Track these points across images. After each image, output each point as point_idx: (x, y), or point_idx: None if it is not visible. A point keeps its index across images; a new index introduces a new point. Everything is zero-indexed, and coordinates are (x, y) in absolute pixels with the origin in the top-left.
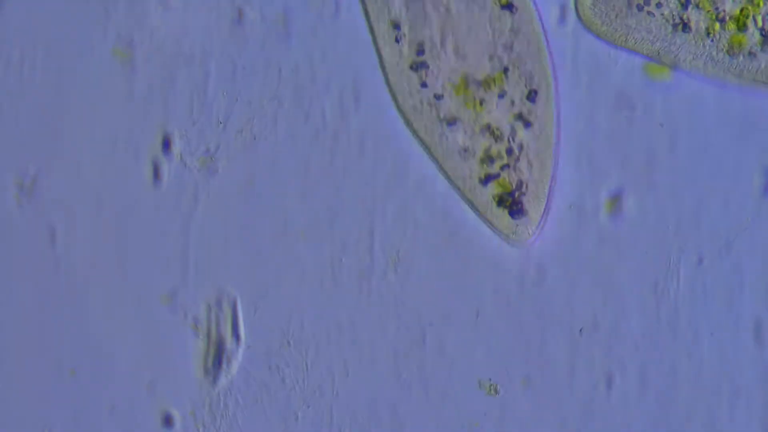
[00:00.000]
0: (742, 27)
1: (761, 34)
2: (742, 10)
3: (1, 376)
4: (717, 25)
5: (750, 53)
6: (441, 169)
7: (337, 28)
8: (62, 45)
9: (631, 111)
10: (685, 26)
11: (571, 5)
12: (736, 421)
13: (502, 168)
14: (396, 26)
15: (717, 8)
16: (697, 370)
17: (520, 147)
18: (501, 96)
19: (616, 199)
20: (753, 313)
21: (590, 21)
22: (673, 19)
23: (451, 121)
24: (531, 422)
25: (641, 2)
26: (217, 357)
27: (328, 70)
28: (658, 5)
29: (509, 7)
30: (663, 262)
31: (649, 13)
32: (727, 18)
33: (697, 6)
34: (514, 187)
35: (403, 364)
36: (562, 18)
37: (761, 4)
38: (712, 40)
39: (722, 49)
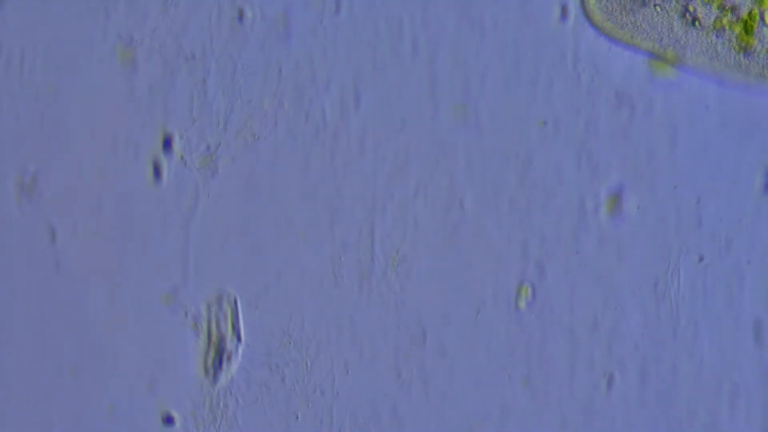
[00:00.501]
0: (750, 30)
1: None
2: (750, 14)
3: (0, 376)
4: (725, 20)
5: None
6: None
7: (337, 27)
8: (62, 45)
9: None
10: (694, 20)
11: (575, 1)
12: (737, 421)
13: None
14: None
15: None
16: (697, 369)
17: None
18: None
19: (615, 198)
20: (753, 313)
21: (596, 17)
22: (682, 13)
23: None
24: (531, 422)
25: None
26: (218, 356)
27: (328, 69)
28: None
29: None
30: (663, 262)
31: (655, 6)
32: (734, 18)
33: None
34: None
35: (403, 363)
36: (564, 15)
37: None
38: (717, 35)
39: (730, 46)
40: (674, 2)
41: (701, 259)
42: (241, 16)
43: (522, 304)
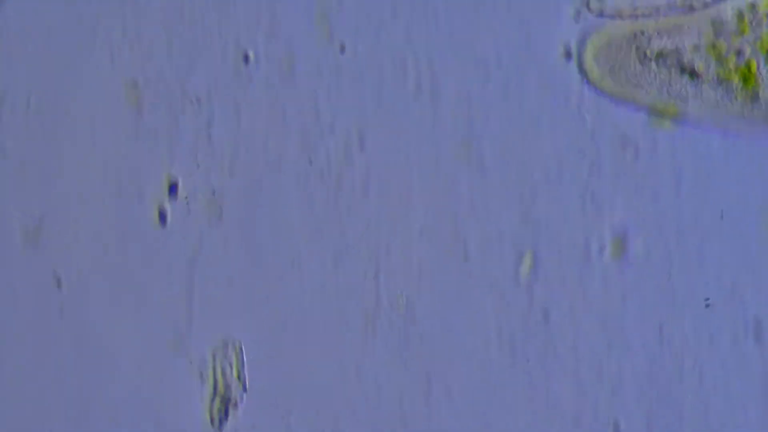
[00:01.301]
0: (749, 81)
1: None
2: (748, 65)
3: (3, 425)
4: (722, 71)
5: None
6: None
7: (341, 68)
8: (67, 88)
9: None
10: (693, 74)
11: (574, 50)
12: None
13: None
14: None
15: (724, 54)
16: (703, 414)
17: None
18: None
19: (620, 240)
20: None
21: (594, 75)
22: (680, 67)
23: None
24: None
25: (645, 53)
26: (223, 405)
27: (332, 110)
28: (662, 56)
29: None
30: (668, 305)
31: (653, 62)
32: (733, 69)
33: (703, 52)
34: None
35: (409, 407)
36: (568, 56)
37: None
38: (719, 86)
39: (731, 95)
40: (671, 57)
41: (707, 302)
42: (246, 58)
43: (526, 271)
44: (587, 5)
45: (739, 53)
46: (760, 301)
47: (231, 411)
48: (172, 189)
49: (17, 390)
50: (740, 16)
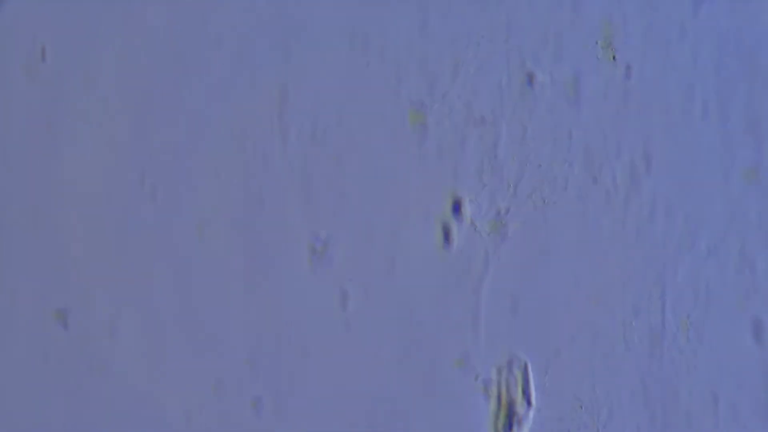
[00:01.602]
0: None
1: None
2: None
3: None
4: None
5: None
6: None
7: (627, 91)
8: (354, 111)
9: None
10: None
11: None
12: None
13: None
14: None
15: None
16: None
17: None
18: None
19: None
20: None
21: None
22: None
23: None
24: None
25: None
26: (507, 420)
27: (618, 133)
28: None
29: None
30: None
31: None
32: None
33: None
34: None
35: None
36: None
37: None
38: None
39: None
40: None
41: None
42: (531, 80)
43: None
44: None
45: None
46: None
47: (516, 426)
48: (456, 208)
49: None
50: None
